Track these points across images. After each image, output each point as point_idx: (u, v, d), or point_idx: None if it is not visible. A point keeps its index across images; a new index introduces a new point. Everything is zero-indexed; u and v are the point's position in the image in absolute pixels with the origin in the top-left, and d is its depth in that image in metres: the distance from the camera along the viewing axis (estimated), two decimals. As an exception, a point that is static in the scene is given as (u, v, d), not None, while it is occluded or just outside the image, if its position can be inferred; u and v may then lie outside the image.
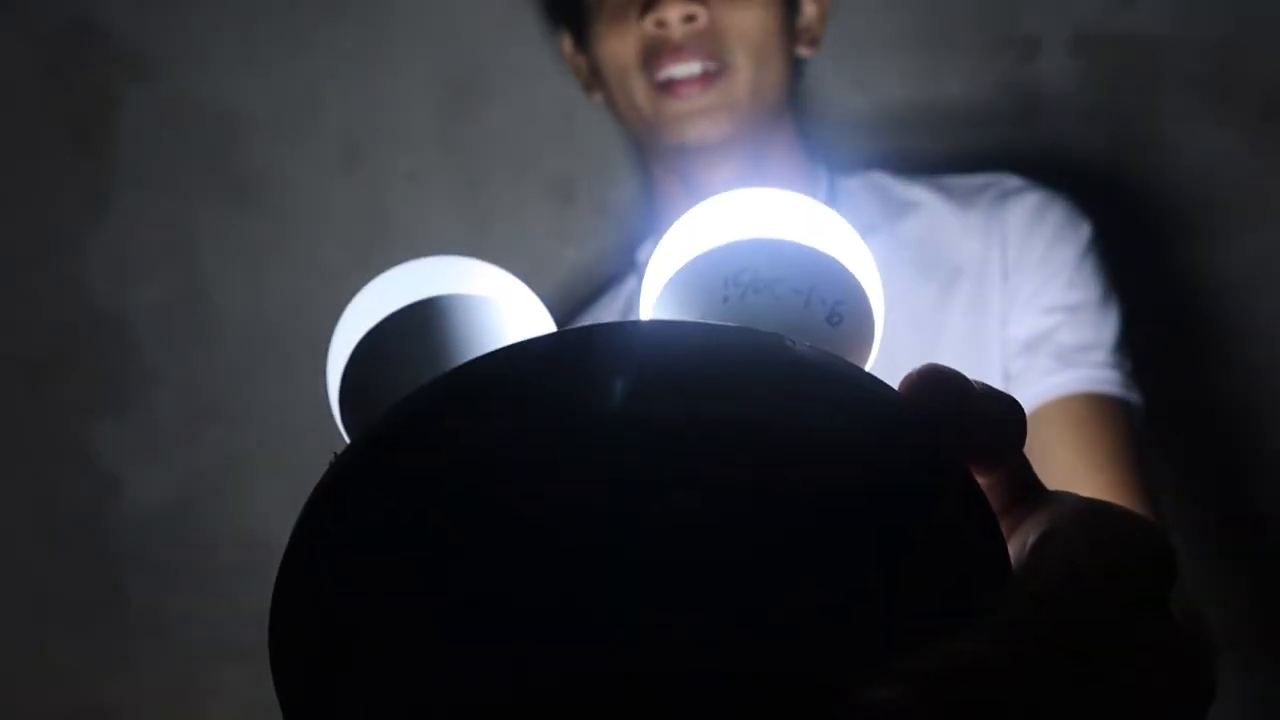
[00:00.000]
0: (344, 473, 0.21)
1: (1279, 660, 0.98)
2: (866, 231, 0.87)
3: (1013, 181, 0.83)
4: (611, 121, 1.01)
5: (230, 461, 1.04)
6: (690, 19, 0.75)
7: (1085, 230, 0.80)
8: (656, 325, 0.21)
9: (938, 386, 0.22)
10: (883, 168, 0.88)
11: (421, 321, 0.28)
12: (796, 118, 0.87)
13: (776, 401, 0.19)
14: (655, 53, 0.77)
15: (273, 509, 1.04)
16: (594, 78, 0.86)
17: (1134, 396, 0.76)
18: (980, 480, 0.22)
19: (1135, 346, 0.79)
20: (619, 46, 0.79)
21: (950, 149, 0.98)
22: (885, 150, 0.98)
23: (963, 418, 0.22)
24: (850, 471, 0.19)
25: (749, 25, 0.77)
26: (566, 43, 0.90)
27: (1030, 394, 0.75)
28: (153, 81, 1.02)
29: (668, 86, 0.77)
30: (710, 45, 0.76)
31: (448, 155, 1.02)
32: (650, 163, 0.88)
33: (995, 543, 0.21)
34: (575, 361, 0.20)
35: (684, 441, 0.18)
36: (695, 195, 0.82)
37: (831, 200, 0.85)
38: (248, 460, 1.04)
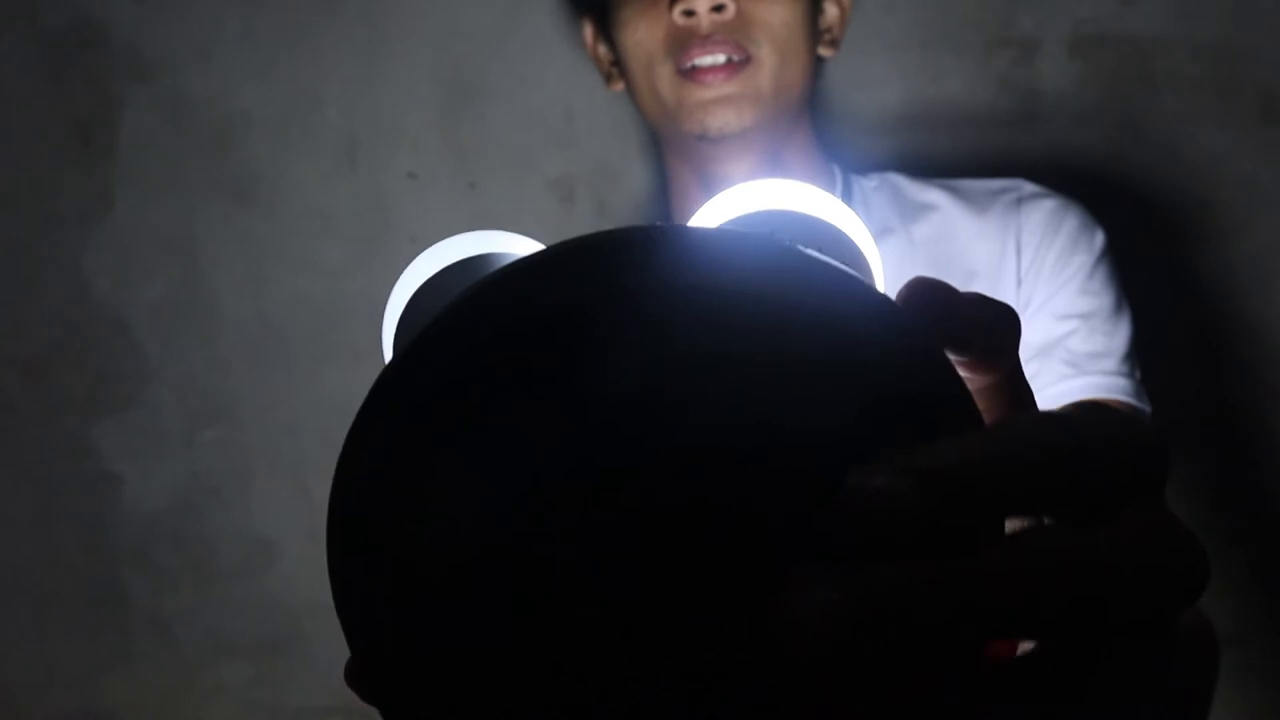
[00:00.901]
0: (413, 351, 0.23)
1: (1277, 659, 0.98)
2: (882, 233, 0.87)
3: (1028, 187, 0.83)
4: (611, 121, 1.01)
5: (230, 461, 1.04)
6: (718, 9, 0.77)
7: (1099, 238, 0.81)
8: (681, 226, 0.24)
9: (925, 293, 0.23)
10: (896, 169, 0.88)
11: (477, 274, 0.32)
12: (813, 117, 0.88)
13: (782, 279, 0.22)
14: (682, 42, 0.78)
15: (273, 509, 1.04)
16: (614, 67, 0.87)
17: (1143, 404, 0.77)
18: (977, 384, 0.24)
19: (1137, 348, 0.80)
20: (645, 34, 0.80)
21: (950, 149, 0.98)
22: (885, 150, 0.98)
23: (951, 316, 0.23)
24: (843, 352, 0.22)
25: (775, 19, 0.78)
26: (588, 31, 0.90)
27: (1041, 400, 0.75)
28: (153, 81, 1.02)
29: (692, 74, 0.78)
30: (736, 36, 0.77)
31: (448, 155, 1.02)
32: (667, 155, 0.88)
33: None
34: (612, 246, 0.23)
35: (705, 304, 0.22)
36: (710, 190, 0.82)
37: (846, 200, 0.85)
38: (248, 460, 1.04)
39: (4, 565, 1.06)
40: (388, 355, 0.34)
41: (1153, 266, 0.96)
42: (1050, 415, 0.21)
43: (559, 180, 1.02)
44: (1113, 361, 0.77)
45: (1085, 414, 0.21)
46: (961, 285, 0.80)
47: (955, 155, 0.98)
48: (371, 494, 0.23)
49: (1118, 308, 0.79)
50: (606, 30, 0.85)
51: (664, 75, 0.79)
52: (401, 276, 0.34)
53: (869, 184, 0.87)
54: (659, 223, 0.23)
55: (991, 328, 0.24)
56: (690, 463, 0.20)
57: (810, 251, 0.23)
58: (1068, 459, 0.19)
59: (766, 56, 0.78)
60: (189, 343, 1.04)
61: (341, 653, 0.24)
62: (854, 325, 0.22)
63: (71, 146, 1.03)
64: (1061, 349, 0.77)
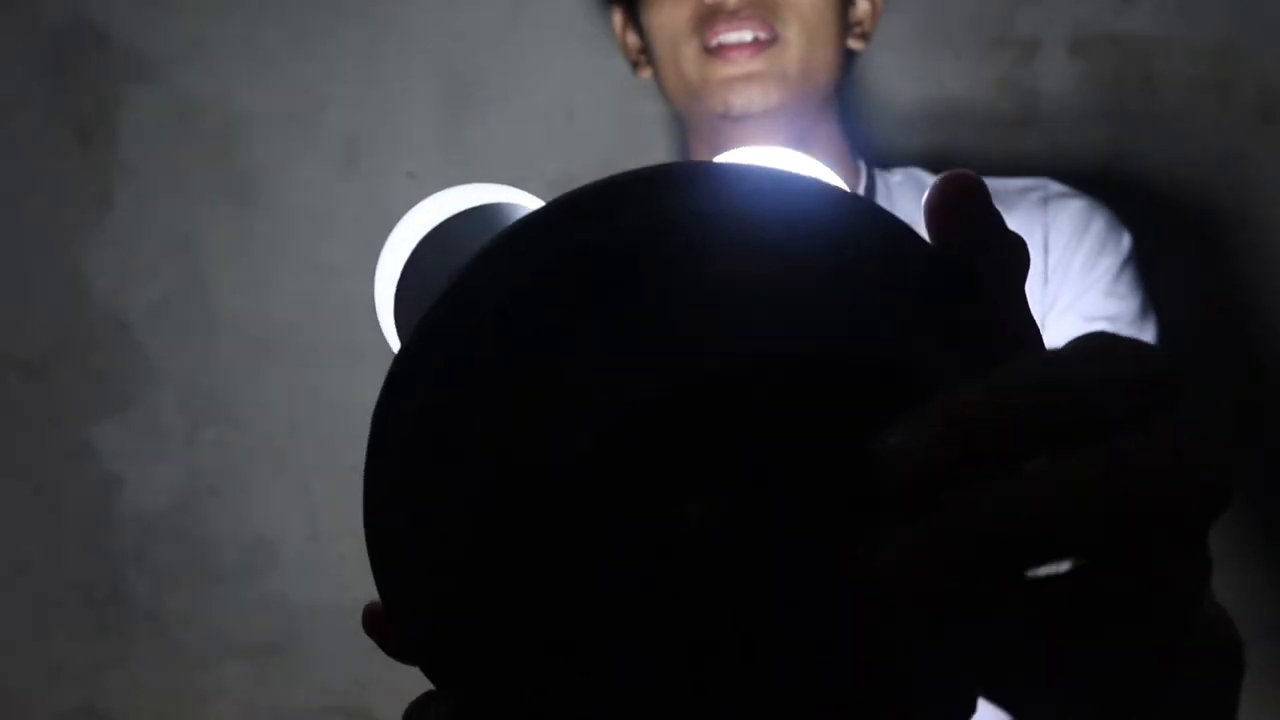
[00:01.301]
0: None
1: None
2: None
3: (1054, 186, 0.83)
4: (612, 121, 1.01)
5: (230, 461, 1.04)
6: None
7: (1126, 240, 0.81)
8: (711, 162, 0.25)
9: (958, 191, 0.24)
10: (920, 164, 0.88)
11: (478, 225, 0.32)
12: (840, 110, 0.87)
13: (823, 208, 0.23)
14: (708, 18, 0.78)
15: (273, 509, 1.04)
16: (642, 55, 0.87)
17: None
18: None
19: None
20: (673, 13, 0.80)
21: (950, 149, 0.98)
22: (885, 150, 0.98)
23: (973, 217, 0.24)
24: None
25: (804, 0, 0.78)
26: (617, 19, 0.90)
27: None
28: (153, 81, 1.02)
29: (718, 51, 0.77)
30: (764, 14, 0.77)
31: (448, 155, 1.02)
32: (690, 141, 0.88)
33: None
34: (669, 176, 0.23)
35: (747, 230, 0.22)
36: None
37: (870, 193, 0.85)
38: (248, 460, 1.04)
39: (4, 565, 1.06)
40: (383, 314, 0.33)
41: (1152, 266, 0.96)
42: (1052, 355, 0.21)
43: (559, 180, 1.02)
44: None
45: (1087, 346, 0.21)
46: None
47: (955, 155, 0.98)
48: (415, 443, 0.22)
49: (1143, 311, 0.79)
50: (635, 16, 0.85)
51: (689, 53, 0.79)
52: (396, 228, 0.33)
53: (893, 178, 0.87)
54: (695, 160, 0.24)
55: (1000, 245, 0.25)
56: (745, 382, 0.21)
57: (838, 183, 0.24)
58: (1072, 397, 0.20)
59: (794, 37, 0.78)
60: (189, 343, 1.04)
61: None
62: (882, 244, 0.23)
63: (71, 146, 1.03)
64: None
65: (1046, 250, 0.80)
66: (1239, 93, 0.96)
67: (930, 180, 0.90)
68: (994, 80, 0.98)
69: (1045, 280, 0.79)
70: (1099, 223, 0.80)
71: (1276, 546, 0.99)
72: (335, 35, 1.01)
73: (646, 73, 0.88)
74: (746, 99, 0.77)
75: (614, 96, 0.99)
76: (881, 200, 0.85)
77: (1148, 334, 0.78)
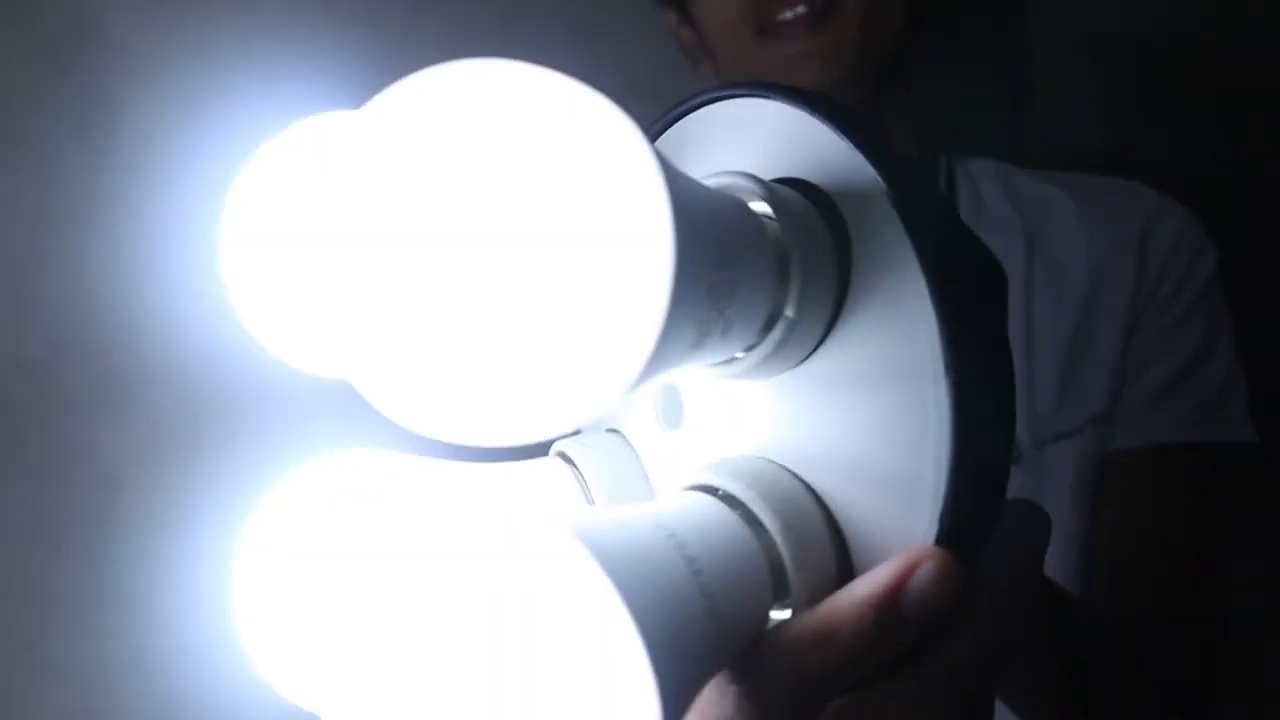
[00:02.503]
0: None
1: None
2: (997, 222, 0.85)
3: (1150, 193, 0.81)
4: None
5: (231, 461, 1.04)
6: None
7: (1211, 260, 0.79)
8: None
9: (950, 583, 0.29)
10: (997, 156, 0.86)
11: None
12: (913, 89, 0.82)
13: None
14: None
15: (273, 509, 1.04)
16: (698, 49, 0.84)
17: (1228, 435, 0.76)
18: None
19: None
20: (722, 1, 0.76)
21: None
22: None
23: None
24: None
25: None
26: (671, 19, 0.86)
27: (1124, 435, 0.76)
28: (153, 81, 1.02)
29: (773, 30, 0.74)
30: None
31: (448, 155, 1.02)
32: None
33: None
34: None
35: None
36: None
37: (949, 186, 0.82)
38: (248, 460, 1.04)
39: (4, 565, 1.06)
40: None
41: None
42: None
43: (559, 180, 1.02)
44: (1195, 401, 0.76)
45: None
46: (1076, 286, 0.82)
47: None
48: None
49: (1216, 338, 0.78)
50: (686, 11, 0.82)
51: (744, 36, 0.75)
52: None
53: (974, 168, 0.83)
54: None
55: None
56: None
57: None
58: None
59: (853, 4, 0.73)
60: (189, 342, 1.04)
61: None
62: None
63: (71, 146, 1.03)
64: (1146, 379, 0.77)
65: (1142, 259, 0.78)
66: (1238, 92, 0.97)
67: (1018, 176, 0.87)
68: (993, 80, 0.98)
69: (1135, 292, 0.78)
70: (1189, 242, 0.79)
71: (1275, 551, 0.99)
72: (335, 35, 1.01)
73: (707, 67, 0.84)
74: (806, 79, 0.71)
75: (614, 98, 0.99)
76: (964, 192, 0.82)
77: (1216, 362, 0.78)
